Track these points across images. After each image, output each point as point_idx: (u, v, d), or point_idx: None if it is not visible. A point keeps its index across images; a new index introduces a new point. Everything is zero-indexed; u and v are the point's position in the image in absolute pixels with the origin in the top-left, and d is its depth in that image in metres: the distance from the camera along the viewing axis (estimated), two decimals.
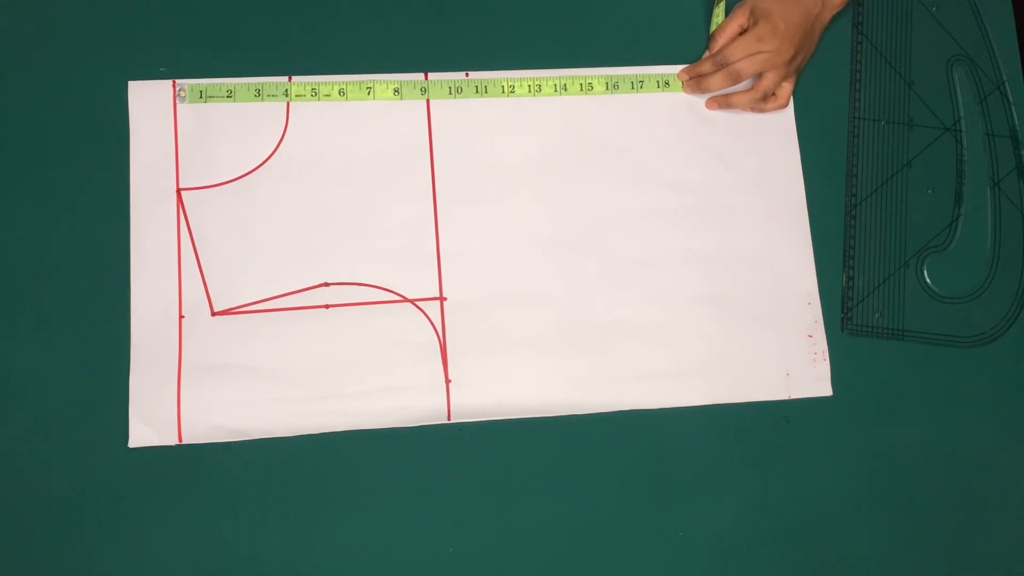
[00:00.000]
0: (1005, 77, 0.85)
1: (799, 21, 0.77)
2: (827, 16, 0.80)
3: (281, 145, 0.77)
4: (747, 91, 0.79)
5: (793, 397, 0.77)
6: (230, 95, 0.77)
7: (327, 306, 0.74)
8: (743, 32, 0.79)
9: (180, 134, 0.76)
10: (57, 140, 0.75)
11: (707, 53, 0.80)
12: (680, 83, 0.81)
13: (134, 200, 0.74)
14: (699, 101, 0.81)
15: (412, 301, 0.75)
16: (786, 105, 0.81)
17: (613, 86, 0.80)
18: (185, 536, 0.70)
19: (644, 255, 0.78)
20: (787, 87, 0.79)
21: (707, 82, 0.80)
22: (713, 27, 0.81)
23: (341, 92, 0.78)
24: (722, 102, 0.80)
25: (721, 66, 0.79)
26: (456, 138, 0.78)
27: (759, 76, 0.79)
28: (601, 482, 0.74)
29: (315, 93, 0.77)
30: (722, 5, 0.81)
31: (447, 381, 0.74)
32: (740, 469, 0.76)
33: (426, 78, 0.79)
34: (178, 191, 0.75)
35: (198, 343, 0.73)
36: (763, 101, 0.80)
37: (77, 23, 0.77)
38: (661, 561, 0.74)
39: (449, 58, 0.80)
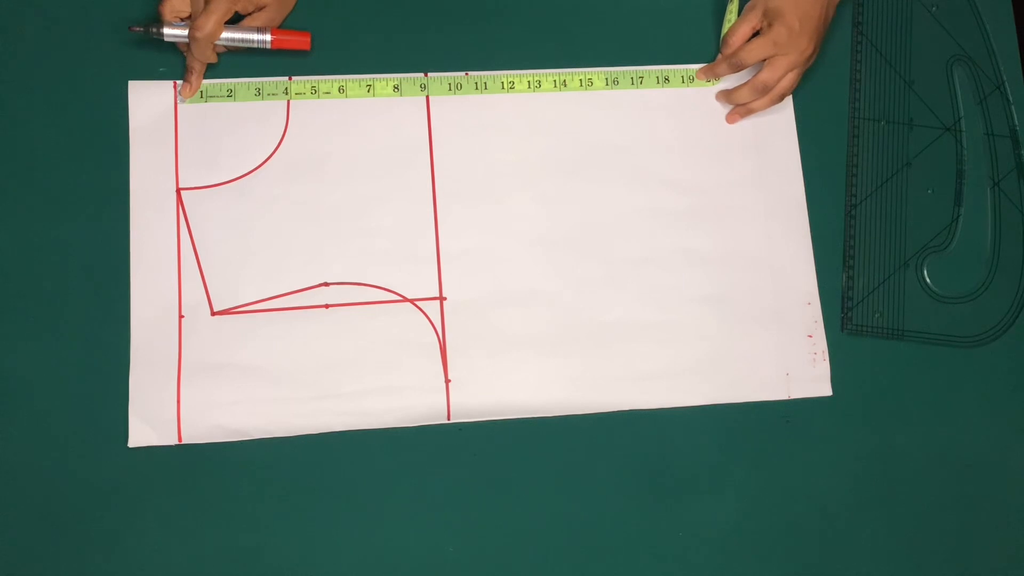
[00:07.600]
0: (1005, 77, 0.85)
1: (814, 12, 0.76)
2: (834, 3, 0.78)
3: (281, 145, 0.77)
4: (767, 96, 0.78)
5: (793, 397, 0.77)
6: (230, 94, 0.77)
7: (327, 306, 0.74)
8: (757, 33, 0.77)
9: (180, 134, 0.76)
10: (57, 140, 0.75)
11: (720, 55, 0.79)
12: (680, 79, 0.81)
13: (134, 200, 0.75)
14: (698, 100, 0.81)
15: (412, 301, 0.75)
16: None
17: (613, 82, 0.80)
18: (185, 536, 0.70)
19: (644, 255, 0.78)
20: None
21: (735, 95, 0.79)
22: (725, 25, 0.80)
23: (341, 90, 0.78)
24: (743, 111, 0.80)
25: (737, 68, 0.78)
26: (456, 136, 0.78)
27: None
28: (601, 482, 0.74)
29: (315, 91, 0.77)
30: (735, 2, 0.80)
31: (447, 381, 0.74)
32: (740, 469, 0.76)
33: (426, 77, 0.79)
34: (178, 191, 0.75)
35: (198, 343, 0.73)
36: (781, 99, 0.79)
37: (77, 23, 0.77)
38: (661, 561, 0.74)
39: (449, 58, 0.80)
